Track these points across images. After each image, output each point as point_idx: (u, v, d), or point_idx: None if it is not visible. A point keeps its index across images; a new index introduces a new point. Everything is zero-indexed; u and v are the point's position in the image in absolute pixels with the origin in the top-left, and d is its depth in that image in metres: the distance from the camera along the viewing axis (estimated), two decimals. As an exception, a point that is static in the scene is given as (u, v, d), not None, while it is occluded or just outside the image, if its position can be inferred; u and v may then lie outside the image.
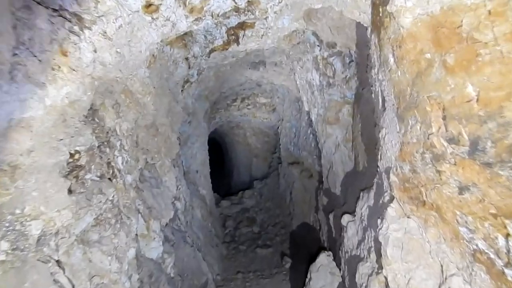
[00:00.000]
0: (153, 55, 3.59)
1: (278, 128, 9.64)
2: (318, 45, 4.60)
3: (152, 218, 4.22)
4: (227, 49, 4.51)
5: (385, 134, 2.63)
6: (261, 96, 9.14)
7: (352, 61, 4.20)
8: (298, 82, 5.78)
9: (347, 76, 4.42)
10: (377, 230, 2.73)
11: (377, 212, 2.88)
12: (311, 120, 5.83)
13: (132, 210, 3.59)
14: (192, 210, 6.65)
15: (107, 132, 3.11)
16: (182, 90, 5.44)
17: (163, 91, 4.10)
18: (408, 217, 2.45)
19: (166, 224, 4.63)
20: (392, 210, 2.57)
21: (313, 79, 5.09)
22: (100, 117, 2.99)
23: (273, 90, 8.58)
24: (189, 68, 4.64)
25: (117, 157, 3.30)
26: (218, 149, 17.29)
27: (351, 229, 3.53)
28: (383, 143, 2.68)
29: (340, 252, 4.06)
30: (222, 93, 7.88)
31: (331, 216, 4.67)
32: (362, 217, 3.28)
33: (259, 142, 12.31)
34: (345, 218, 3.64)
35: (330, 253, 4.41)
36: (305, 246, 7.03)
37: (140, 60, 3.28)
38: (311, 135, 6.56)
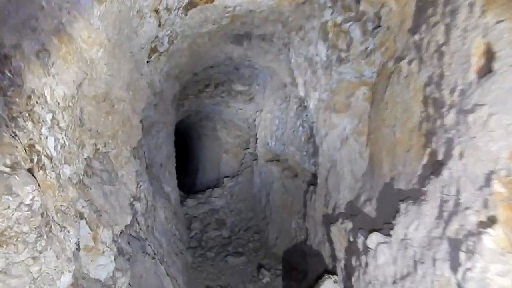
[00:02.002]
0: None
1: (255, 120, 8.57)
2: (330, 7, 3.60)
3: (102, 225, 3.06)
4: (212, 2, 3.41)
5: (490, 116, 1.64)
6: (238, 83, 8.04)
7: (380, 26, 3.21)
8: (293, 61, 4.74)
9: (368, 48, 3.44)
10: (458, 269, 1.74)
11: (447, 238, 1.89)
12: (306, 108, 4.81)
13: (69, 217, 2.42)
14: (155, 212, 5.48)
15: (29, 97, 1.93)
16: (148, 62, 4.26)
17: (122, 52, 2.94)
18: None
19: (121, 232, 3.47)
20: (491, 241, 1.59)
21: (316, 54, 4.07)
22: (16, 70, 1.82)
23: (253, 75, 7.50)
24: (159, 26, 3.49)
25: (46, 137, 2.12)
26: (181, 143, 16.05)
27: (384, 254, 2.53)
28: (481, 130, 1.69)
29: (354, 280, 3.06)
30: (194, 75, 6.71)
31: (335, 229, 3.67)
32: (408, 241, 2.29)
33: (230, 136, 11.20)
34: (374, 239, 2.63)
35: (336, 278, 3.42)
36: (286, 259, 6.03)
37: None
38: (301, 128, 5.55)
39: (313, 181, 5.24)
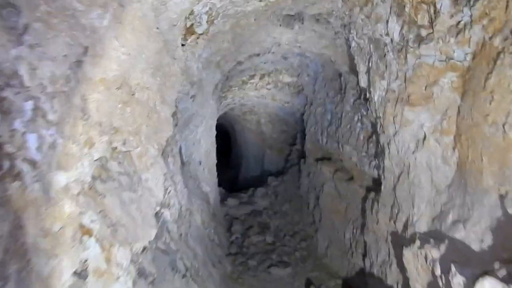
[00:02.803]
0: None
1: (303, 114, 7.78)
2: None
3: (117, 242, 2.47)
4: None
5: None
6: (286, 74, 7.30)
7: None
8: (353, 44, 3.94)
9: (461, 22, 2.60)
10: None
11: None
12: (368, 101, 4.00)
13: (63, 241, 1.84)
14: (190, 216, 4.90)
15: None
16: (183, 45, 3.64)
17: (143, 25, 2.31)
18: None
19: (144, 249, 2.88)
20: None
21: (386, 34, 3.26)
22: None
23: (302, 65, 6.73)
24: (195, -3, 2.84)
25: (26, 134, 1.53)
26: (225, 136, 15.56)
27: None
28: None
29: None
30: (238, 64, 6.05)
31: (409, 254, 2.88)
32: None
33: (275, 131, 10.51)
34: (487, 284, 1.83)
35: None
36: (339, 275, 5.26)
37: None
38: (359, 124, 4.74)
39: (374, 187, 4.44)
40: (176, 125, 4.14)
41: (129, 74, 2.32)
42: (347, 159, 5.27)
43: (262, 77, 7.39)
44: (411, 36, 2.98)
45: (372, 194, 4.32)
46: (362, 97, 4.48)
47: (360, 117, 4.71)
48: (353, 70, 4.71)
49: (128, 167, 2.76)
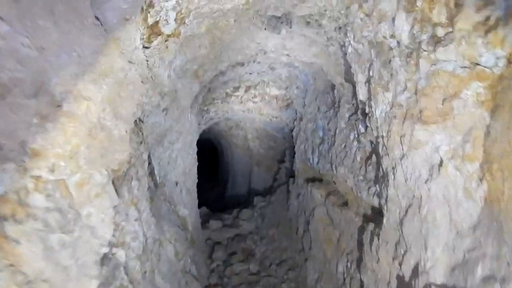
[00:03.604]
0: None
1: (292, 130, 7.17)
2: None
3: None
4: None
5: None
6: (273, 86, 6.70)
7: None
8: (350, 50, 3.34)
9: (492, 18, 2.02)
10: None
11: None
12: (368, 117, 3.40)
13: None
14: (160, 248, 4.21)
15: None
16: (147, 47, 3.01)
17: (70, 8, 1.68)
18: None
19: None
20: None
21: (392, 36, 2.67)
22: None
23: (291, 76, 6.14)
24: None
25: None
26: (213, 152, 14.92)
27: None
28: None
29: None
30: (220, 74, 5.44)
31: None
32: None
33: (262, 147, 9.89)
34: None
35: None
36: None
37: None
38: (356, 143, 4.13)
39: (373, 217, 3.82)
40: (141, 142, 3.48)
41: (48, 78, 1.68)
42: (342, 182, 4.64)
43: (247, 89, 6.78)
44: (425, 37, 2.39)
45: (370, 226, 3.69)
46: (359, 112, 3.88)
47: (356, 135, 4.10)
48: (349, 81, 4.13)
49: (61, 200, 2.09)
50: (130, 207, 3.31)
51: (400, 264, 2.93)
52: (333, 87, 4.86)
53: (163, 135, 4.57)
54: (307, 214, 5.93)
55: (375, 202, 3.69)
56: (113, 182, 2.56)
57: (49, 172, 1.93)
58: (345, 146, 4.41)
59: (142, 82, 2.84)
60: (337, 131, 4.64)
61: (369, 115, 3.29)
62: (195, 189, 6.43)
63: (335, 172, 4.76)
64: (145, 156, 3.78)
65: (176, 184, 5.34)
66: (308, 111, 6.00)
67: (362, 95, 3.34)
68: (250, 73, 6.03)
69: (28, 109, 1.66)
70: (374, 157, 3.70)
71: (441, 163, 2.44)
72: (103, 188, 2.41)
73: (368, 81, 3.16)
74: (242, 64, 5.42)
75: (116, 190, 2.57)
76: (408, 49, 2.56)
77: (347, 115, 4.38)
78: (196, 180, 6.50)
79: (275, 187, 8.65)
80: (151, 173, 4.49)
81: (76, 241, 2.16)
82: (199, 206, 7.79)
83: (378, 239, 3.39)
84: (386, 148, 3.01)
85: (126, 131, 2.67)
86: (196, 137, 6.71)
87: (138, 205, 3.50)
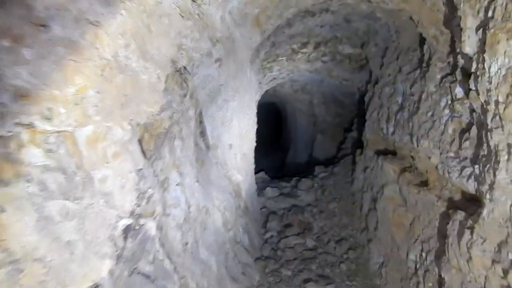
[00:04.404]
0: None
1: (364, 96, 6.33)
2: None
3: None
4: None
5: None
6: (347, 43, 5.86)
7: None
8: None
9: None
10: None
11: None
12: (474, 76, 2.58)
13: None
14: (206, 216, 3.79)
15: None
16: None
17: None
18: None
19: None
20: None
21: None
22: None
23: (370, 31, 5.28)
24: None
25: None
26: (278, 118, 14.31)
27: None
28: None
29: None
30: (286, 26, 4.74)
31: None
32: None
33: (329, 114, 9.12)
34: None
35: None
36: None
37: None
38: (448, 111, 3.30)
39: (463, 205, 3.04)
40: (185, 95, 2.97)
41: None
42: (423, 158, 3.84)
43: (317, 46, 5.99)
44: None
45: (459, 215, 2.94)
46: (458, 72, 3.03)
47: (450, 101, 3.26)
48: (446, 33, 3.26)
49: (65, 158, 1.63)
50: (171, 171, 2.86)
51: (505, 273, 2.20)
52: (422, 42, 3.98)
53: (217, 91, 4.05)
54: (375, 191, 5.21)
55: (470, 186, 2.90)
56: (139, 141, 2.07)
57: (44, 120, 1.46)
58: (432, 115, 3.58)
59: (182, 16, 2.27)
60: (423, 96, 3.80)
61: (477, 73, 2.47)
62: (252, 154, 5.93)
63: (415, 145, 3.96)
64: (191, 113, 3.29)
65: (231, 146, 4.86)
66: (386, 72, 5.13)
67: (469, 46, 2.51)
68: (322, 26, 5.25)
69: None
70: (474, 129, 2.88)
71: None
72: (125, 147, 1.93)
73: (482, 26, 2.33)
74: (313, 14, 4.67)
75: (143, 151, 2.09)
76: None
77: (438, 76, 3.52)
78: (254, 144, 6.00)
79: (339, 158, 7.93)
80: (203, 133, 4.03)
81: (85, 210, 1.71)
82: (258, 171, 7.35)
83: (472, 233, 2.65)
84: (500, 119, 2.21)
85: (159, 78, 2.15)
86: (256, 98, 6.14)
87: (181, 168, 3.05)
